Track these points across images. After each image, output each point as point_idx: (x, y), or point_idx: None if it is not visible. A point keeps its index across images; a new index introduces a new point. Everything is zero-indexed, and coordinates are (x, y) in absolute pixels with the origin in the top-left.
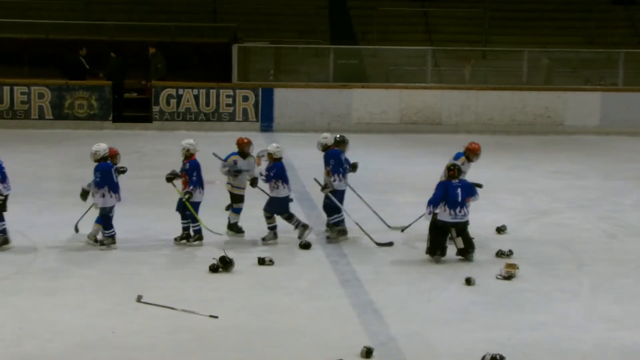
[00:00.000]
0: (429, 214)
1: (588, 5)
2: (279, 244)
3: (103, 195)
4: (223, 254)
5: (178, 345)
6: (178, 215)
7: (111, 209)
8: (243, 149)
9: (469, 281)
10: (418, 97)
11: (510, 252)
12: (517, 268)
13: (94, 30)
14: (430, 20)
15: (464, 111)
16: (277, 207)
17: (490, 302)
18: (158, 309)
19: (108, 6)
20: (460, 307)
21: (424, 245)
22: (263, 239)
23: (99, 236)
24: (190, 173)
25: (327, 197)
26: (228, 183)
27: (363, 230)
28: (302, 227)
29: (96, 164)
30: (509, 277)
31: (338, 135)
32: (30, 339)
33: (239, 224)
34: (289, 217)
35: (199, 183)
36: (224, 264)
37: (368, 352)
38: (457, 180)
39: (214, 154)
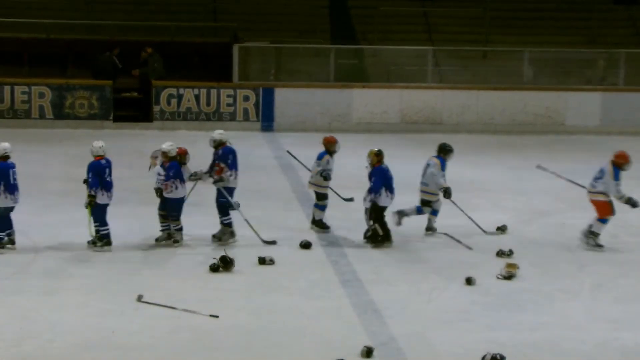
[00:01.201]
0: (370, 200)
1: (589, 5)
2: (280, 244)
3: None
4: (224, 253)
5: (178, 345)
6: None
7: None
8: (331, 147)
9: (469, 281)
10: (419, 97)
11: (511, 252)
12: (518, 268)
13: (94, 30)
14: (430, 20)
15: (465, 111)
16: (172, 208)
17: (491, 302)
18: (158, 309)
19: (109, 6)
20: (461, 307)
21: (424, 245)
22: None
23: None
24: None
25: (220, 195)
26: (311, 183)
27: (252, 228)
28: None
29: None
30: (509, 277)
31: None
32: (30, 339)
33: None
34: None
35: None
36: (224, 264)
37: (368, 351)
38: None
39: (288, 152)
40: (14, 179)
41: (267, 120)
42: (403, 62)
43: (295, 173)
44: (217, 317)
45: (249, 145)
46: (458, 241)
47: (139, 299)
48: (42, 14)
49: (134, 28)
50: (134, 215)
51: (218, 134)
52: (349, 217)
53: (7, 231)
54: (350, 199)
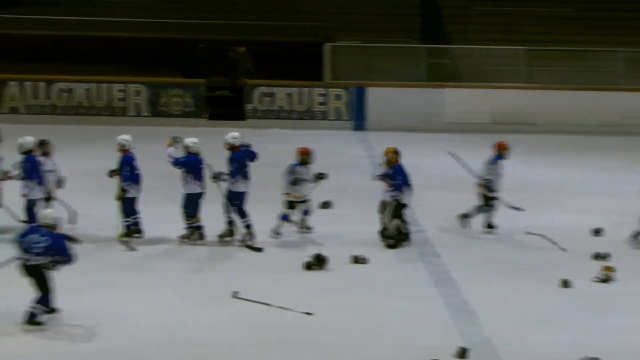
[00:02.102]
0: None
1: None
2: (373, 243)
3: (32, 189)
4: (318, 251)
5: (262, 341)
6: (272, 211)
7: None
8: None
9: (565, 283)
10: (510, 97)
11: (608, 255)
12: (615, 271)
13: (188, 29)
14: (523, 20)
15: (557, 111)
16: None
17: (587, 305)
18: (245, 305)
19: (205, 5)
20: (556, 309)
21: (518, 246)
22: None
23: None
24: (122, 168)
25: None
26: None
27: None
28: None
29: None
30: (606, 279)
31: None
32: (117, 332)
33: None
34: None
35: (134, 178)
36: (318, 262)
37: (463, 352)
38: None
39: (450, 153)
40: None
41: (358, 119)
42: (495, 62)
43: None
44: (311, 314)
45: (340, 144)
46: (553, 242)
47: (235, 294)
48: (136, 13)
49: (226, 27)
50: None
51: (231, 137)
52: (439, 217)
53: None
54: (519, 208)
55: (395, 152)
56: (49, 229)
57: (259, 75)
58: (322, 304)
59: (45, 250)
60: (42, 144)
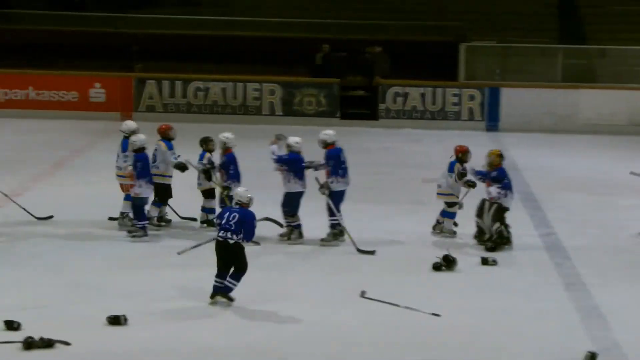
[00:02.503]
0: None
1: None
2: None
3: (140, 186)
4: (446, 252)
5: (398, 342)
6: (398, 215)
7: (145, 199)
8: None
9: None
10: None
11: None
12: None
13: (322, 29)
14: None
15: None
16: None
17: None
18: (380, 305)
19: (336, 4)
20: None
21: None
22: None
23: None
24: (227, 166)
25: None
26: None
27: (349, 236)
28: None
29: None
30: None
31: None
32: (255, 329)
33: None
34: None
35: (236, 176)
36: (447, 263)
37: (592, 357)
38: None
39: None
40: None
41: (492, 120)
42: (633, 62)
43: (518, 174)
44: (438, 315)
45: (472, 144)
46: None
47: (363, 294)
48: (271, 12)
49: (361, 26)
50: (354, 211)
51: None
52: (571, 220)
53: (145, 222)
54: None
55: (499, 156)
56: (242, 206)
57: (392, 75)
58: (450, 305)
59: (237, 227)
60: (206, 141)
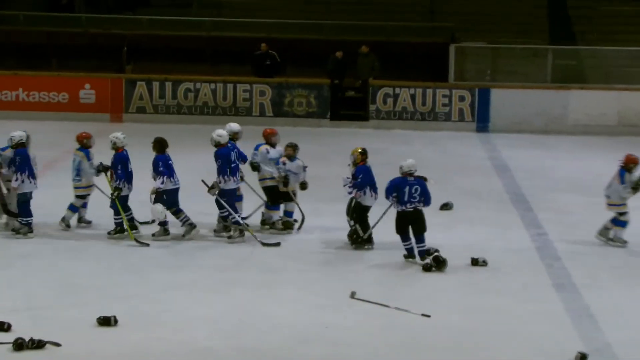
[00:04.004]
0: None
1: None
2: (493, 245)
3: (22, 181)
4: (436, 253)
5: (390, 343)
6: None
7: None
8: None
9: None
10: (638, 99)
11: None
12: None
13: (312, 30)
14: None
15: None
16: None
17: None
18: (372, 305)
19: (326, 6)
20: None
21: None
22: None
23: (16, 224)
24: (115, 167)
25: (216, 198)
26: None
27: (250, 232)
28: (189, 226)
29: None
30: None
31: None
32: (247, 331)
33: None
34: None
35: (125, 177)
36: (437, 264)
37: (582, 357)
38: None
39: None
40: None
41: (482, 120)
42: (623, 63)
43: (509, 174)
44: (429, 316)
45: (463, 145)
46: None
47: (353, 295)
48: (262, 14)
49: (351, 27)
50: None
51: (217, 135)
52: (562, 220)
53: (30, 218)
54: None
55: (362, 153)
56: (418, 178)
57: (382, 75)
58: (440, 306)
59: (421, 196)
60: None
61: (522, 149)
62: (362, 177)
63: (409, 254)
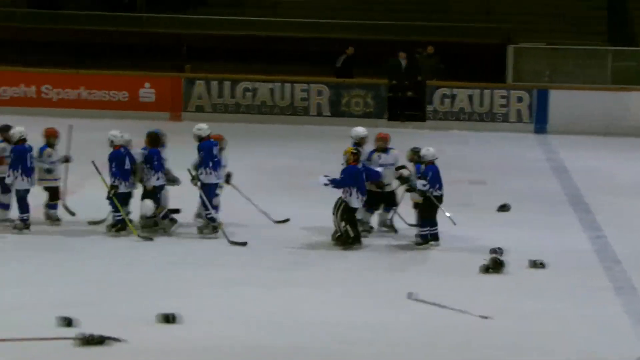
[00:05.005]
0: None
1: None
2: (552, 248)
3: (16, 178)
4: (494, 255)
5: (449, 344)
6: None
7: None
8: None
9: None
10: None
11: None
12: None
13: (373, 30)
14: None
15: None
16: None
17: None
18: (428, 306)
19: (383, 6)
20: None
21: None
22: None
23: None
24: (109, 164)
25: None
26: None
27: (221, 227)
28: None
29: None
30: None
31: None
32: (301, 329)
33: None
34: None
35: (121, 174)
36: (494, 265)
37: None
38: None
39: None
40: (31, 162)
41: (540, 122)
42: None
43: (567, 176)
44: (487, 317)
45: (520, 147)
46: None
47: (410, 296)
48: (322, 13)
49: (407, 28)
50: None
51: (197, 129)
52: (621, 223)
53: (26, 214)
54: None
55: (353, 153)
56: (429, 164)
57: (440, 76)
58: (498, 308)
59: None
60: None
61: (580, 150)
62: (343, 177)
63: (435, 238)
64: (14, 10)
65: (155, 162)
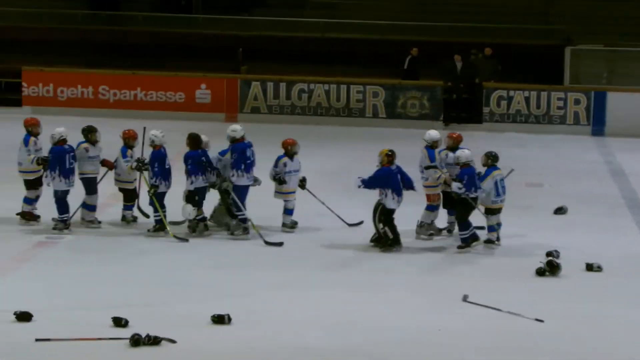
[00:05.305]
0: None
1: None
2: (609, 251)
3: (54, 179)
4: (551, 258)
5: (503, 347)
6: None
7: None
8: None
9: None
10: None
11: None
12: None
13: (427, 31)
14: None
15: None
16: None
17: None
18: (483, 309)
19: (440, 7)
20: None
21: None
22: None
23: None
24: (152, 164)
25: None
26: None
27: (257, 230)
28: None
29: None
30: None
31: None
32: (355, 331)
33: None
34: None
35: (161, 174)
36: (551, 268)
37: None
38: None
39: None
40: (70, 163)
41: (598, 124)
42: None
43: (625, 179)
44: (542, 321)
45: (578, 149)
46: None
47: (465, 298)
48: (376, 15)
49: (465, 29)
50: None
51: (231, 130)
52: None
53: (65, 215)
54: (280, 244)
55: (387, 155)
56: (465, 166)
57: (497, 78)
58: (553, 311)
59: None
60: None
61: (638, 153)
62: (373, 179)
63: (476, 238)
64: (75, 12)
65: (189, 166)
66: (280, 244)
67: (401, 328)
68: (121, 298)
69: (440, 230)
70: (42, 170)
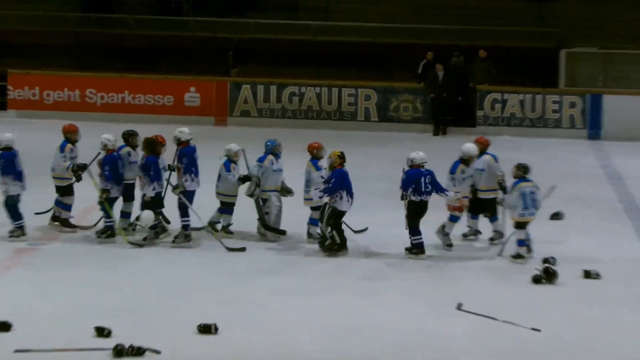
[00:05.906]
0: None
1: None
2: (607, 257)
3: (5, 183)
4: (547, 264)
5: (497, 354)
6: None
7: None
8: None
9: None
10: None
11: None
12: None
13: (420, 35)
14: None
15: None
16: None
17: None
18: (476, 317)
19: (435, 10)
20: None
21: None
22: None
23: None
24: (103, 168)
25: (179, 198)
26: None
27: (215, 235)
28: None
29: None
30: None
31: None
32: (350, 335)
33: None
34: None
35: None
36: (547, 275)
37: None
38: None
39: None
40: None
41: (594, 127)
42: None
43: (622, 183)
44: (539, 330)
45: (573, 153)
46: None
47: (459, 307)
48: (369, 18)
49: (458, 32)
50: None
51: (179, 131)
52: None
53: (20, 222)
54: (242, 249)
55: (339, 156)
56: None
57: (492, 81)
58: (549, 318)
59: (432, 186)
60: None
61: (635, 157)
62: (333, 182)
63: (421, 249)
64: (67, 14)
65: (152, 172)
66: (243, 249)
67: (399, 333)
68: (107, 306)
69: (477, 232)
70: (75, 178)
